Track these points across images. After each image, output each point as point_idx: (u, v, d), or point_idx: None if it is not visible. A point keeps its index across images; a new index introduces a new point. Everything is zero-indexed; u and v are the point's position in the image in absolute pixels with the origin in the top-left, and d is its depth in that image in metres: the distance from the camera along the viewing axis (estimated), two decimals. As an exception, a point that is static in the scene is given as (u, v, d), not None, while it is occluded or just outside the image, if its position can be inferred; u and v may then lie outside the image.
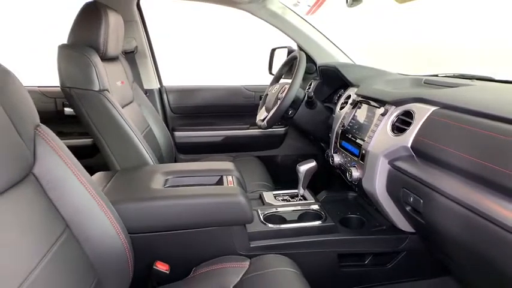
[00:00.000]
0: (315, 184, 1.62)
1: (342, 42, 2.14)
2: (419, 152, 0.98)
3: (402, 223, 1.20)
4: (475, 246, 0.82)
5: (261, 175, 1.87)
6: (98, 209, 0.88)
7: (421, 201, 0.95)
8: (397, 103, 1.15)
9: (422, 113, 1.01)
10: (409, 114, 1.07)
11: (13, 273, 0.63)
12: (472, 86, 1.13)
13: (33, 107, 0.85)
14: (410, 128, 1.02)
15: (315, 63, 2.15)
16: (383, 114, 1.18)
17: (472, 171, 0.80)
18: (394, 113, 1.14)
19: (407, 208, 1.04)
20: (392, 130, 1.12)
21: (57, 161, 0.83)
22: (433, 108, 0.99)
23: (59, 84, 1.43)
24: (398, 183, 1.06)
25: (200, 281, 1.02)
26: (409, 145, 1.00)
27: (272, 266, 1.02)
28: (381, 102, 1.25)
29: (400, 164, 1.04)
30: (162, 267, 1.07)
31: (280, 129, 2.35)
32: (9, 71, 0.81)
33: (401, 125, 1.08)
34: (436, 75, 1.47)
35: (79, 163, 0.89)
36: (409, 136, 1.01)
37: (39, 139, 0.82)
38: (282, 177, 2.10)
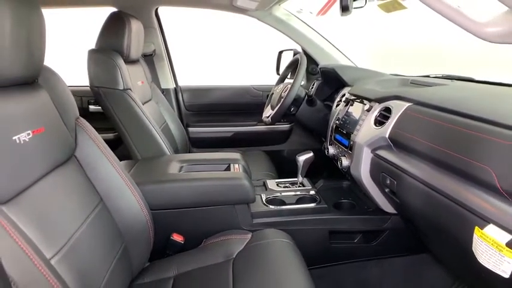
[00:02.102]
0: (315, 174, 1.79)
1: (342, 45, 2.29)
2: (395, 141, 1.14)
3: (385, 205, 1.36)
4: (436, 219, 0.97)
5: (266, 167, 2.04)
6: (126, 187, 1.06)
7: (395, 182, 1.11)
8: (379, 100, 1.31)
9: (398, 108, 1.16)
10: (388, 109, 1.22)
11: (62, 231, 0.81)
12: (446, 85, 1.28)
13: (74, 102, 1.03)
14: (388, 121, 1.17)
15: (317, 65, 2.30)
16: (368, 110, 1.34)
17: (436, 157, 0.94)
18: (377, 109, 1.29)
19: (386, 190, 1.20)
20: (375, 123, 1.27)
21: (93, 147, 1.02)
22: (407, 104, 1.15)
23: (84, 84, 1.63)
24: (378, 168, 1.21)
25: (210, 250, 1.19)
26: (387, 136, 1.16)
27: (270, 237, 1.19)
28: (369, 100, 1.41)
29: (380, 152, 1.19)
30: (177, 238, 1.26)
31: (285, 126, 2.50)
32: (56, 72, 1.00)
33: (382, 119, 1.24)
34: (428, 76, 1.62)
35: (110, 150, 1.07)
36: (387, 128, 1.16)
37: (79, 129, 1.01)
38: (287, 170, 2.24)
